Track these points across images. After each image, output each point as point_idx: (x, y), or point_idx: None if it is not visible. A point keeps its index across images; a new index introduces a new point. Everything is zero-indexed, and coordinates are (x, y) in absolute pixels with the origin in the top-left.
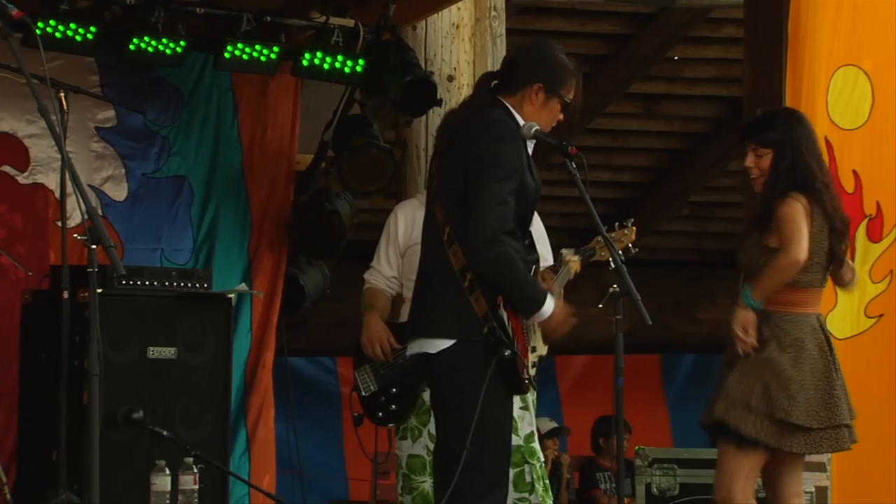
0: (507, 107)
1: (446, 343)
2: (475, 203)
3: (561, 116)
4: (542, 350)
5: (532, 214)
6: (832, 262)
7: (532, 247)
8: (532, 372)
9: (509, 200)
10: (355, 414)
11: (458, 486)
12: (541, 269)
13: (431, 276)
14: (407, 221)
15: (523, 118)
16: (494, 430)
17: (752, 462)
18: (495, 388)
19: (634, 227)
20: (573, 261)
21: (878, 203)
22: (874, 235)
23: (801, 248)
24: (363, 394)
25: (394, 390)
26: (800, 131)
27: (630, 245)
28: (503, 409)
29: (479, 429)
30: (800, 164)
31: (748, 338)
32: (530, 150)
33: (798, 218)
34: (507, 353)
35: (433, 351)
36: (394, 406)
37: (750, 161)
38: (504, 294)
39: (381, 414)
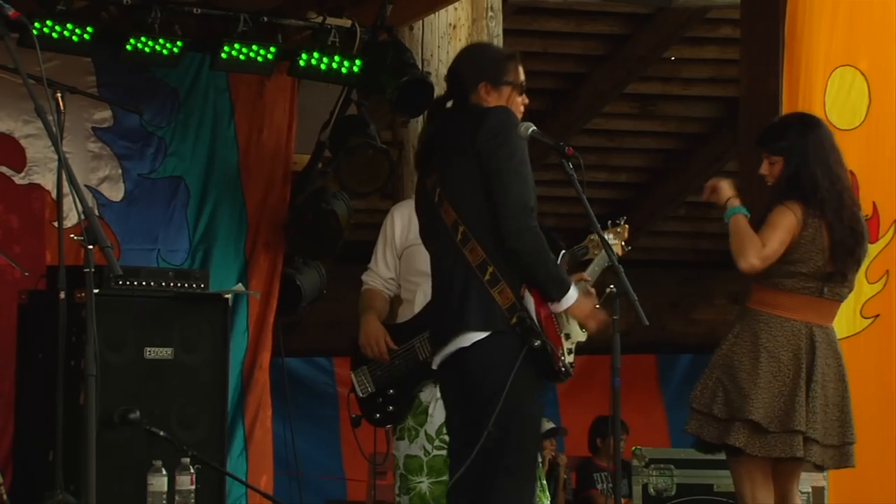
0: (479, 105)
1: (479, 335)
2: (499, 181)
3: (523, 100)
4: (580, 336)
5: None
6: (837, 275)
7: (548, 233)
8: (570, 359)
9: (529, 176)
10: (353, 415)
11: (498, 480)
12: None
13: (450, 280)
14: (403, 222)
15: None
16: (528, 423)
17: (746, 467)
18: (528, 382)
19: (627, 226)
20: (614, 243)
21: (874, 204)
22: (870, 236)
23: (759, 251)
24: (360, 395)
25: (391, 391)
26: (811, 139)
27: (623, 243)
28: (534, 400)
29: (514, 423)
30: (803, 172)
31: (714, 190)
32: None
33: (778, 225)
34: (536, 344)
35: (467, 344)
36: (391, 407)
37: (764, 168)
38: (533, 272)
39: (378, 415)
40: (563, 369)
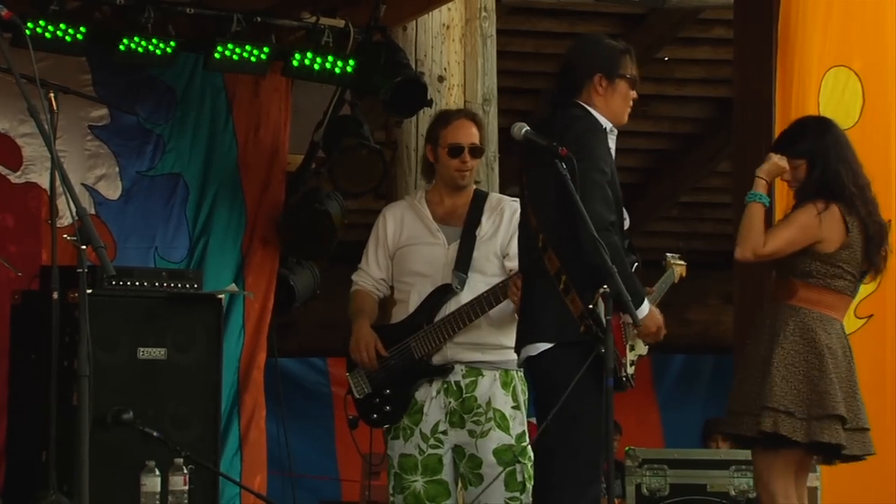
0: (582, 105)
1: (546, 346)
2: (579, 193)
3: (634, 94)
4: (642, 349)
5: (622, 212)
6: (870, 270)
7: (632, 248)
8: (631, 371)
9: (607, 190)
10: (350, 417)
11: (555, 484)
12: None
13: (532, 283)
14: (396, 223)
15: (598, 112)
16: (591, 431)
17: (785, 461)
18: (592, 390)
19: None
20: (678, 265)
21: None
22: None
23: (757, 249)
24: (357, 396)
25: (387, 391)
26: (829, 138)
27: None
28: (599, 409)
29: (575, 431)
30: (828, 171)
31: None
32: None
33: (794, 224)
34: (602, 351)
35: (534, 353)
36: (388, 407)
37: (786, 174)
38: (609, 285)
39: (375, 415)
40: (624, 378)
